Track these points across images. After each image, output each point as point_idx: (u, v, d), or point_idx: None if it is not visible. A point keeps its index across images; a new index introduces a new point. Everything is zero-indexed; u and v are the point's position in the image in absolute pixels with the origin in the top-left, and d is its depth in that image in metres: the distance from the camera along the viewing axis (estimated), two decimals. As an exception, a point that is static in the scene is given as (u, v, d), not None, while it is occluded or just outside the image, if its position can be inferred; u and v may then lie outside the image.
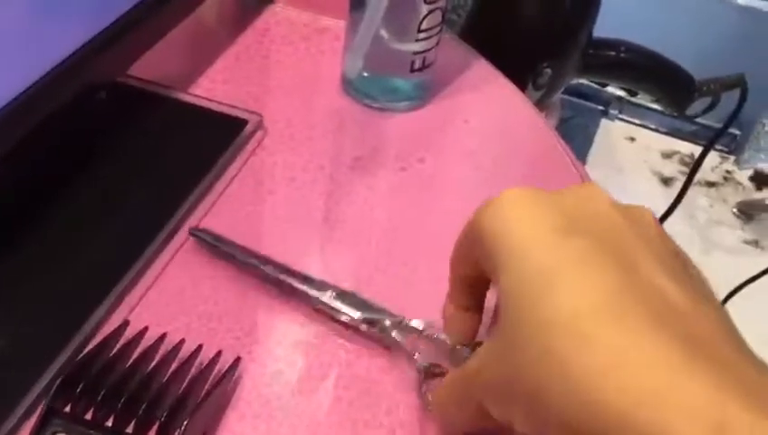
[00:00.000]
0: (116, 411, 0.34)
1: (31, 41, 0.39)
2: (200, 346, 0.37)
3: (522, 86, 0.61)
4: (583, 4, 0.76)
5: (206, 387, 0.36)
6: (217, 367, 0.37)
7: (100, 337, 0.37)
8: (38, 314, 0.38)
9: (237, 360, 0.37)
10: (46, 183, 0.45)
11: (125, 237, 0.43)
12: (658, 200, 1.41)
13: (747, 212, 1.54)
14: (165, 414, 0.33)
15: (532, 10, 0.75)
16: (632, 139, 1.67)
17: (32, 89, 0.39)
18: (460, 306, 0.36)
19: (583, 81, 0.88)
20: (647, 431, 0.22)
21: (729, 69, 0.90)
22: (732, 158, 1.63)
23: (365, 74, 0.54)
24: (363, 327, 0.40)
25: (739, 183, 1.61)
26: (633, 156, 1.65)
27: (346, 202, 0.48)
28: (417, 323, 0.39)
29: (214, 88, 0.54)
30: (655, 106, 1.56)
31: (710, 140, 0.99)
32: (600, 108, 1.63)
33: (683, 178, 1.60)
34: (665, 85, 0.87)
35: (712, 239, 1.49)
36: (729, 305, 0.91)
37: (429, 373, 0.37)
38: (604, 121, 1.65)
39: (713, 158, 1.61)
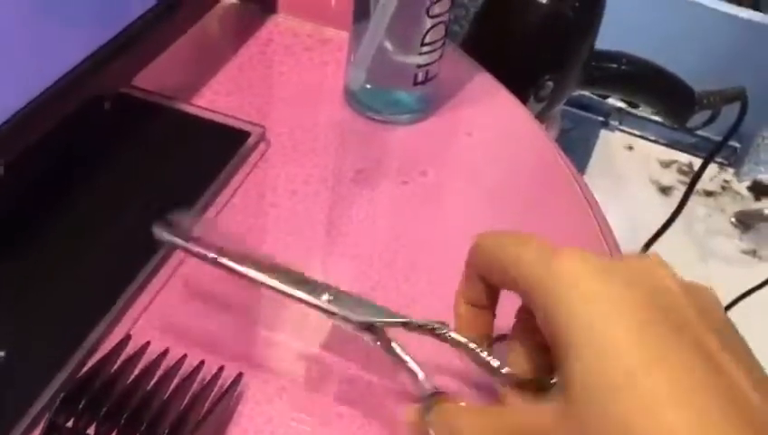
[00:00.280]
0: (118, 427, 0.33)
1: (36, 52, 0.39)
2: (202, 362, 0.37)
3: (523, 98, 0.61)
4: (586, 16, 0.76)
5: (208, 403, 0.36)
6: (219, 383, 0.37)
7: (102, 352, 0.37)
8: (40, 329, 0.38)
9: (239, 376, 0.37)
10: (49, 194, 0.44)
11: (127, 250, 0.43)
12: (657, 209, 1.42)
13: (745, 222, 1.54)
14: (167, 431, 0.33)
15: (534, 22, 0.75)
16: (630, 147, 1.67)
17: (37, 100, 0.39)
18: (473, 303, 0.36)
19: (584, 92, 0.88)
20: None
21: (730, 82, 0.90)
22: (730, 169, 1.64)
23: (368, 86, 0.54)
24: (367, 338, 0.38)
25: (737, 193, 1.61)
26: (632, 165, 1.65)
27: (348, 215, 0.48)
28: (425, 322, 0.37)
29: (217, 99, 0.54)
30: (655, 118, 1.57)
31: (710, 152, 0.99)
32: (601, 119, 1.63)
33: (681, 187, 1.60)
34: (665, 98, 0.87)
35: (710, 249, 1.49)
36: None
37: (433, 400, 0.35)
38: (604, 131, 1.65)
39: (711, 167, 1.62)
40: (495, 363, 0.33)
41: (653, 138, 1.67)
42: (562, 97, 0.80)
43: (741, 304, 1.07)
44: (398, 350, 0.37)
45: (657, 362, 0.26)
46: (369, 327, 0.37)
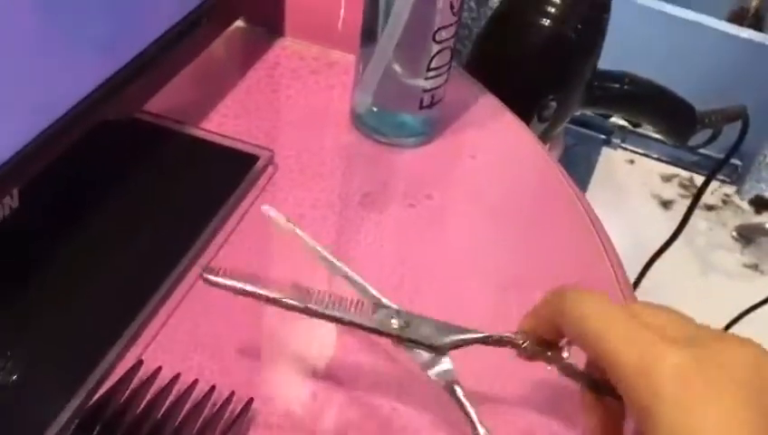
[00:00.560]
0: (131, 454, 0.34)
1: (50, 81, 0.40)
2: (213, 387, 0.38)
3: (527, 119, 0.62)
4: (588, 37, 0.77)
5: (219, 429, 0.36)
6: (230, 408, 0.37)
7: (115, 377, 0.37)
8: (52, 355, 0.39)
9: (250, 401, 0.38)
10: (61, 219, 0.45)
11: (138, 274, 0.43)
12: (659, 223, 1.42)
13: (747, 236, 1.55)
14: (180, 457, 0.34)
15: (536, 43, 0.76)
16: (632, 162, 1.68)
17: (51, 127, 0.40)
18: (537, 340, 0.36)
19: (586, 111, 0.89)
20: None
21: (731, 101, 0.91)
22: (731, 187, 1.64)
23: (374, 110, 0.55)
24: (435, 379, 0.37)
25: (738, 207, 1.62)
26: (633, 179, 1.66)
27: (355, 239, 0.49)
28: (504, 335, 0.36)
29: (225, 122, 0.55)
30: (657, 136, 1.58)
31: (712, 170, 0.99)
32: (603, 137, 1.64)
33: (682, 201, 1.61)
34: (667, 117, 0.88)
35: (711, 263, 1.50)
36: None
37: None
38: (606, 148, 1.66)
39: (712, 182, 1.62)
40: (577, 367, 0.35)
41: (655, 156, 1.68)
42: (566, 117, 0.80)
43: (743, 319, 1.07)
44: (464, 401, 0.36)
45: None
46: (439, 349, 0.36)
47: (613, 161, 1.66)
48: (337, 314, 0.36)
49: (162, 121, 0.53)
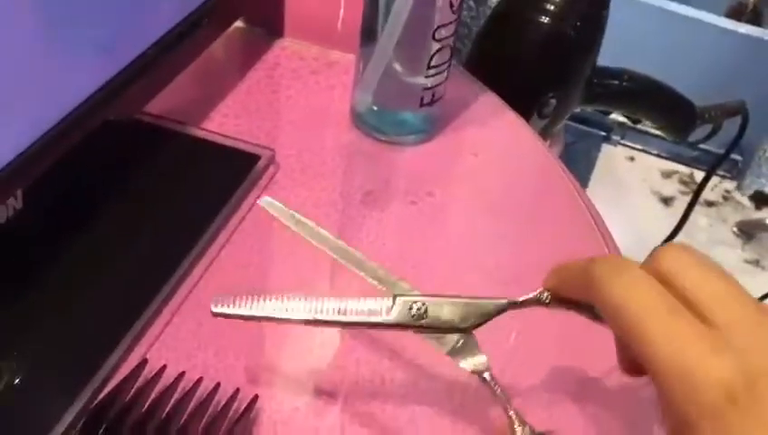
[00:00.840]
0: (138, 452, 0.34)
1: (51, 83, 0.40)
2: (218, 384, 0.38)
3: (526, 116, 0.62)
4: (587, 34, 0.77)
5: (225, 426, 0.36)
6: (235, 405, 0.37)
7: (120, 376, 0.38)
8: (57, 355, 0.39)
9: (255, 398, 0.38)
10: (63, 220, 0.45)
11: (142, 274, 0.43)
12: (659, 220, 1.42)
13: (747, 232, 1.55)
14: (185, 455, 0.34)
15: (535, 40, 0.76)
16: (632, 158, 1.68)
17: (53, 129, 0.40)
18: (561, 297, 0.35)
19: (586, 108, 0.89)
20: None
21: (730, 96, 0.91)
22: (731, 182, 1.65)
23: (375, 108, 0.55)
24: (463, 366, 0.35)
25: (739, 202, 1.62)
26: (633, 176, 1.66)
27: (357, 237, 0.49)
28: (528, 296, 0.35)
29: (226, 123, 0.55)
30: (657, 132, 1.58)
31: (712, 165, 1.00)
32: (603, 134, 1.64)
33: (682, 197, 1.61)
34: (667, 113, 0.88)
35: (712, 259, 1.50)
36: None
37: None
38: (605, 145, 1.66)
39: (713, 178, 1.63)
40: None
41: (655, 152, 1.68)
42: (565, 114, 0.81)
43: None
44: (496, 387, 0.35)
45: None
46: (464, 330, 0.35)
47: (613, 158, 1.67)
48: (353, 319, 0.36)
49: (163, 122, 0.53)
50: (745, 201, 1.62)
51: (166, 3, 0.48)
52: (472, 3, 0.93)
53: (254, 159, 0.51)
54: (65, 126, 0.41)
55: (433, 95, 0.54)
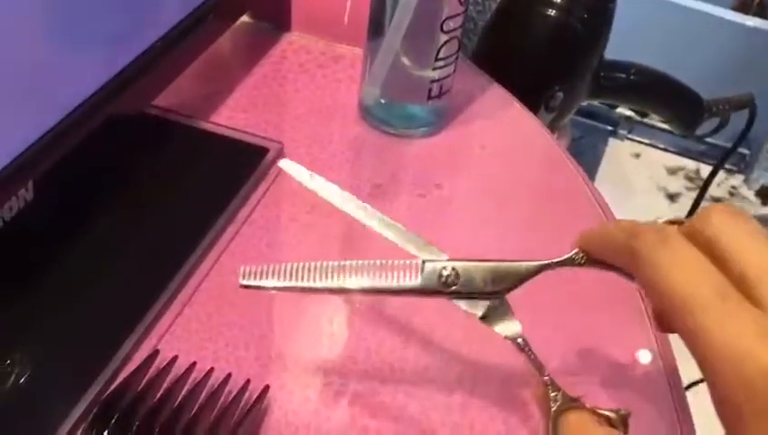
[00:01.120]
0: (149, 442, 0.34)
1: (59, 77, 0.40)
2: (229, 375, 0.38)
3: (534, 109, 0.62)
4: (594, 27, 0.77)
5: (236, 417, 0.36)
6: (246, 396, 0.37)
7: (131, 366, 0.38)
8: (69, 346, 0.39)
9: (266, 388, 0.38)
10: (74, 211, 0.45)
11: (152, 266, 0.43)
12: (665, 216, 1.42)
13: (754, 228, 1.54)
14: (197, 444, 0.34)
15: (542, 34, 0.76)
16: (638, 155, 1.68)
17: (60, 124, 0.40)
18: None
19: (593, 102, 0.89)
20: None
21: (738, 89, 0.91)
22: (739, 176, 1.64)
23: (382, 101, 0.55)
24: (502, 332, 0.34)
25: (745, 198, 1.62)
26: (639, 172, 1.66)
27: (365, 231, 0.49)
28: (563, 258, 0.34)
29: (234, 116, 0.55)
30: (664, 126, 1.58)
31: (719, 159, 0.99)
32: (610, 128, 1.64)
33: (688, 194, 1.61)
34: (674, 106, 0.88)
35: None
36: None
37: (564, 408, 0.32)
38: (612, 139, 1.66)
39: (719, 173, 1.63)
40: None
41: (662, 146, 1.68)
42: (573, 107, 0.80)
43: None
44: (531, 354, 0.35)
45: None
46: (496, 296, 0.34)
47: (619, 154, 1.66)
48: (381, 286, 0.34)
49: (172, 116, 0.53)
50: (752, 197, 1.61)
51: (173, -3, 0.48)
52: (478, -3, 0.93)
53: (262, 151, 0.51)
54: (73, 119, 0.41)
55: (441, 88, 0.54)
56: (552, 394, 0.33)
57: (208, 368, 0.38)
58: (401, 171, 0.54)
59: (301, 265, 0.35)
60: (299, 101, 0.58)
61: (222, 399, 0.37)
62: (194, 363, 0.38)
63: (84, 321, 0.40)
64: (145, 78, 0.46)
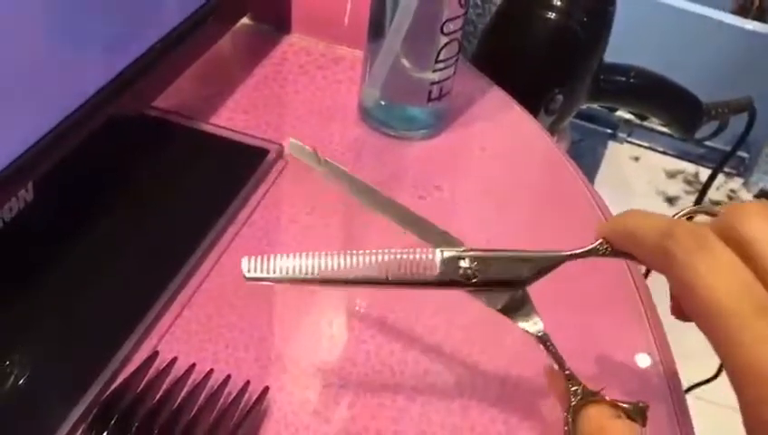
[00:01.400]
0: (149, 443, 0.34)
1: (59, 78, 0.40)
2: (228, 376, 0.38)
3: (533, 112, 0.62)
4: (594, 30, 0.77)
5: (235, 419, 0.36)
6: (246, 397, 0.37)
7: (131, 367, 0.38)
8: (69, 346, 0.39)
9: (266, 390, 0.38)
10: (74, 212, 0.45)
11: (152, 267, 0.43)
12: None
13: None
14: (197, 446, 0.34)
15: (542, 37, 0.76)
16: (637, 158, 1.68)
17: (60, 125, 0.40)
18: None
19: (592, 105, 0.89)
20: None
21: (737, 93, 0.91)
22: (738, 179, 1.64)
23: (382, 103, 0.55)
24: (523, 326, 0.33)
25: (744, 202, 1.62)
26: (638, 175, 1.66)
27: (366, 230, 0.49)
28: (587, 248, 0.33)
29: (234, 118, 0.55)
30: (663, 129, 1.58)
31: (718, 162, 0.99)
32: (609, 131, 1.64)
33: (687, 197, 1.61)
34: (674, 110, 0.88)
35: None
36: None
37: (584, 402, 0.32)
38: (612, 142, 1.66)
39: (718, 177, 1.63)
40: None
41: (661, 149, 1.68)
42: (572, 110, 0.81)
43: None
44: (551, 347, 0.34)
45: None
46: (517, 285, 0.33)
47: (619, 158, 1.67)
48: (396, 278, 0.32)
49: (173, 117, 0.53)
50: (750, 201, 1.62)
51: (173, -1, 0.48)
52: (478, 0, 0.93)
53: (262, 153, 0.51)
54: (73, 120, 0.41)
55: (441, 90, 0.54)
56: (573, 388, 0.32)
57: (208, 369, 0.38)
58: (401, 173, 0.54)
59: (309, 255, 0.33)
60: (299, 102, 0.58)
61: (221, 400, 0.37)
62: (193, 365, 0.38)
63: (84, 322, 0.40)
64: (145, 79, 0.46)
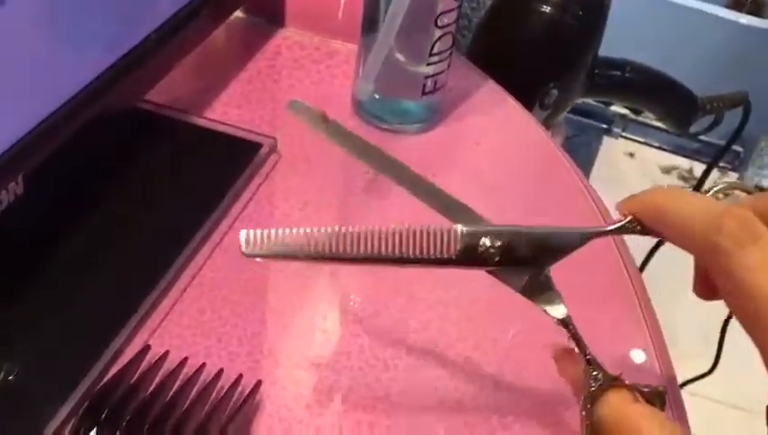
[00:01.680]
0: (140, 437, 0.34)
1: (50, 70, 0.40)
2: (221, 370, 0.38)
3: (528, 106, 0.62)
4: (589, 24, 0.77)
5: (228, 412, 0.36)
6: (238, 391, 0.37)
7: (122, 361, 0.37)
8: (61, 340, 0.39)
9: (258, 383, 0.38)
10: (65, 206, 0.45)
11: (144, 261, 0.43)
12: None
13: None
14: (189, 440, 0.34)
15: (537, 30, 0.76)
16: (632, 154, 1.68)
17: (50, 119, 0.40)
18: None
19: (587, 99, 0.89)
20: None
21: (732, 87, 0.91)
22: (733, 174, 1.64)
23: (376, 97, 0.55)
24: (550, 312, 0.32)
25: (738, 198, 1.62)
26: (633, 171, 1.66)
27: (360, 226, 0.49)
28: (618, 225, 0.32)
29: (228, 112, 0.55)
30: (658, 124, 1.58)
31: (713, 157, 0.99)
32: (604, 126, 1.64)
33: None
34: (668, 104, 0.88)
35: None
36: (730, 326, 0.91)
37: (604, 388, 0.31)
38: (606, 138, 1.66)
39: (713, 172, 1.63)
40: None
41: (656, 144, 1.68)
42: (567, 104, 0.80)
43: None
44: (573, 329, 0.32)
45: None
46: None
47: (613, 153, 1.67)
48: (411, 256, 0.30)
49: (166, 111, 0.53)
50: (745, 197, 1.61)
51: (166, -9, 0.48)
52: (473, -6, 0.93)
53: (256, 147, 0.51)
54: (65, 113, 0.40)
55: (435, 83, 0.54)
56: (594, 373, 0.31)
57: (200, 363, 0.38)
58: (395, 167, 0.54)
59: (319, 230, 0.30)
60: (293, 96, 0.58)
61: (213, 394, 0.37)
62: (185, 359, 0.37)
63: (75, 316, 0.40)
64: (137, 72, 0.46)
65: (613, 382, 0.31)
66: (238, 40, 0.63)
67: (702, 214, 0.30)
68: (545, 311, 0.33)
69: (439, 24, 0.51)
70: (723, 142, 0.97)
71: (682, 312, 1.13)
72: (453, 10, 0.51)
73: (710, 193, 0.34)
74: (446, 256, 0.30)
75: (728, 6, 1.53)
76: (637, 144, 1.69)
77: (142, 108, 0.52)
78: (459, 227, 0.31)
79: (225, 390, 0.37)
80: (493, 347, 0.42)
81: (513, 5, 0.77)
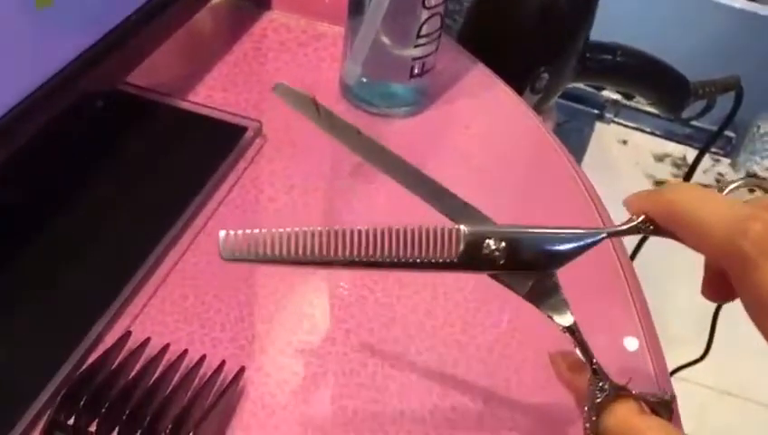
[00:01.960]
0: (120, 424, 0.33)
1: (29, 50, 0.39)
2: (203, 356, 0.37)
3: (519, 91, 0.61)
4: (580, 8, 0.76)
5: (210, 398, 0.35)
6: (221, 377, 0.37)
7: (102, 348, 0.37)
8: (40, 326, 0.38)
9: (241, 370, 0.37)
10: (45, 193, 0.44)
11: (126, 247, 0.42)
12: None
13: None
14: (169, 427, 0.33)
15: (529, 15, 0.75)
16: (624, 142, 1.68)
17: (30, 98, 0.39)
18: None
19: (579, 84, 0.88)
20: None
21: (724, 72, 0.90)
22: (725, 160, 1.64)
23: (364, 80, 0.54)
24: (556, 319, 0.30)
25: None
26: (626, 158, 1.66)
27: (347, 209, 0.48)
28: (628, 226, 0.30)
29: (212, 95, 0.54)
30: (650, 109, 1.57)
31: (706, 142, 0.99)
32: (596, 112, 1.63)
33: (675, 180, 1.61)
34: (660, 89, 0.87)
35: None
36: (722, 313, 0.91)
37: (610, 398, 0.30)
38: (598, 124, 1.66)
39: (705, 160, 1.63)
40: None
41: (648, 129, 1.68)
42: (558, 89, 0.80)
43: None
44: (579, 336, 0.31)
45: None
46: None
47: (606, 140, 1.66)
48: (408, 259, 0.27)
49: (149, 94, 0.52)
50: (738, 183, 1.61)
51: (148, -30, 0.47)
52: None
53: (240, 130, 0.50)
54: (44, 93, 0.40)
55: (423, 66, 0.53)
56: (600, 384, 0.30)
57: (182, 350, 0.37)
58: (383, 151, 0.53)
59: (304, 231, 0.27)
60: (279, 79, 0.57)
61: (196, 381, 0.36)
62: (167, 345, 0.37)
63: (55, 301, 0.39)
64: (118, 53, 0.45)
65: (620, 392, 0.30)
66: (224, 22, 0.62)
67: (724, 216, 0.28)
68: (551, 318, 0.31)
69: (427, 4, 0.50)
70: (715, 128, 0.96)
71: (673, 298, 1.13)
72: (441, -9, 0.50)
73: (726, 191, 0.31)
74: (447, 259, 0.28)
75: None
76: (629, 130, 1.69)
77: (125, 91, 0.51)
78: (462, 228, 0.29)
79: (207, 376, 0.36)
80: (480, 332, 0.42)
81: (503, -12, 0.76)
